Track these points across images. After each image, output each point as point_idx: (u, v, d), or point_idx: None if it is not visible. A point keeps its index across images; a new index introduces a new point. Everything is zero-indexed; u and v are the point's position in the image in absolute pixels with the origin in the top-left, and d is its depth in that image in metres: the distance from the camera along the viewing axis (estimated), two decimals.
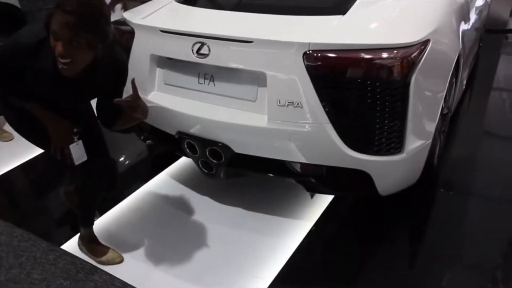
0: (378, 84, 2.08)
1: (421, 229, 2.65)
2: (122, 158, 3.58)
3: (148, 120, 2.75)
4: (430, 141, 2.43)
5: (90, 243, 2.52)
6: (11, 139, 3.69)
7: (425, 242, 2.57)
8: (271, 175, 2.50)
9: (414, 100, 2.15)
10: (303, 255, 2.42)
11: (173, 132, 2.59)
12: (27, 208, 2.99)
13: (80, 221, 2.51)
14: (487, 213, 2.74)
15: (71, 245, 2.54)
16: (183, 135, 2.53)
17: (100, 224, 2.71)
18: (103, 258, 2.47)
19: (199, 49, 2.33)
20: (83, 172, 2.31)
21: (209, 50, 2.31)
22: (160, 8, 2.77)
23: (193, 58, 2.36)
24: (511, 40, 6.07)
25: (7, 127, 3.79)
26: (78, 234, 2.56)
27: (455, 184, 3.00)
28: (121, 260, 2.46)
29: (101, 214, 2.78)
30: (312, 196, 2.65)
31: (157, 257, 2.44)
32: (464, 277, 2.30)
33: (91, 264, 2.34)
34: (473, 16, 3.47)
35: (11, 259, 2.39)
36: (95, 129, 2.43)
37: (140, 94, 2.65)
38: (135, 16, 2.71)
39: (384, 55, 2.07)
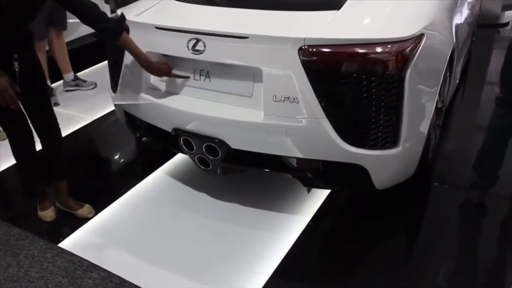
0: (373, 78, 2.09)
1: (416, 223, 2.66)
2: (118, 156, 3.58)
3: (144, 117, 2.76)
4: (425, 135, 2.45)
5: (68, 199, 2.78)
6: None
7: (421, 236, 2.58)
8: (268, 170, 2.50)
9: (409, 94, 2.17)
10: (300, 250, 2.43)
11: (169, 129, 2.59)
12: (23, 207, 2.98)
13: (54, 175, 2.78)
14: (481, 206, 2.76)
15: (69, 243, 2.53)
16: (179, 132, 2.53)
17: (98, 221, 2.72)
18: (80, 211, 2.75)
19: (195, 45, 2.33)
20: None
21: (205, 46, 2.31)
22: (154, 4, 2.76)
23: (189, 54, 2.36)
24: (502, 35, 6.10)
25: None
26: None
27: (449, 178, 3.02)
28: (93, 215, 2.75)
29: (97, 212, 2.77)
30: (308, 191, 2.65)
31: (154, 254, 2.44)
32: (460, 270, 2.32)
33: (89, 262, 2.35)
34: (465, 11, 3.49)
35: (9, 258, 2.40)
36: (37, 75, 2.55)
37: (135, 91, 2.68)
38: (129, 13, 2.70)
39: (379, 49, 2.08)
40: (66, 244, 2.53)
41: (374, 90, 2.11)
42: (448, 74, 2.86)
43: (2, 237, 2.55)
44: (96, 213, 2.77)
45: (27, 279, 2.27)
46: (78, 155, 3.65)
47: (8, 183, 3.29)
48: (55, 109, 4.22)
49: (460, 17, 3.21)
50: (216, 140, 2.41)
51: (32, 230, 2.61)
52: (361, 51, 2.08)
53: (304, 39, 2.11)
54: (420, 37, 2.20)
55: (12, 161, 3.31)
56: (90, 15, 2.35)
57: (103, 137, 3.93)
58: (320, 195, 2.79)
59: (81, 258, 2.38)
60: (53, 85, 4.42)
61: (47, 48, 4.32)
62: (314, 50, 2.11)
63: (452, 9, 2.89)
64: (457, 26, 3.00)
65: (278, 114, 2.23)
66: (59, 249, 2.47)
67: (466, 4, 3.50)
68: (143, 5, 2.79)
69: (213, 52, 2.31)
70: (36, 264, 2.36)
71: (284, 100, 2.19)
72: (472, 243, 2.48)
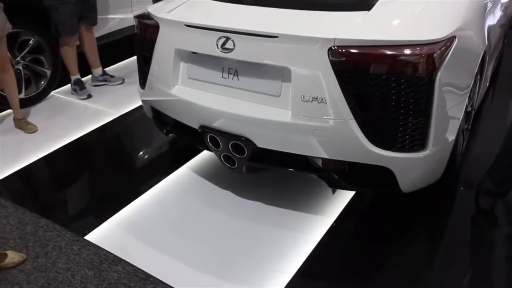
0: (403, 80, 2.07)
1: (441, 227, 2.63)
2: (143, 151, 3.62)
3: (171, 114, 2.78)
4: (453, 138, 2.42)
5: None
6: (35, 131, 3.75)
7: (445, 241, 2.55)
8: (293, 170, 2.50)
9: (438, 97, 2.14)
10: (324, 251, 2.43)
11: (196, 126, 2.60)
12: (50, 199, 3.04)
13: None
14: (507, 212, 2.71)
15: (94, 236, 2.57)
16: (206, 129, 2.54)
17: (122, 215, 2.75)
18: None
19: (224, 43, 2.34)
20: None
21: (234, 45, 2.32)
22: (184, 2, 2.78)
23: (218, 52, 2.37)
24: None
25: (32, 119, 3.87)
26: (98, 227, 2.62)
27: (476, 183, 2.97)
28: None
29: (122, 206, 2.80)
30: (333, 192, 2.65)
31: (177, 249, 2.47)
32: (483, 278, 2.28)
33: (115, 255, 2.38)
34: (498, 13, 3.42)
35: (37, 248, 2.45)
36: None
37: (164, 88, 2.70)
38: (159, 11, 2.73)
39: (410, 51, 2.06)
40: (92, 237, 2.57)
41: (403, 93, 2.09)
42: (478, 77, 2.81)
43: (31, 228, 2.60)
44: (121, 208, 2.80)
45: (55, 270, 2.32)
46: (104, 149, 3.70)
47: (36, 175, 3.36)
48: (84, 102, 4.34)
49: (493, 19, 3.15)
50: (243, 139, 2.42)
51: (60, 222, 2.66)
52: (391, 52, 2.07)
53: (334, 39, 2.10)
54: (451, 39, 2.18)
55: (40, 154, 3.41)
56: None
57: (130, 132, 3.98)
58: (344, 196, 2.78)
59: (107, 252, 2.41)
60: (83, 79, 4.49)
61: (77, 43, 4.39)
62: (344, 50, 2.10)
63: (485, 10, 2.83)
64: (490, 28, 2.94)
65: (305, 114, 2.22)
66: (86, 241, 2.51)
67: (499, 6, 3.44)
68: (173, 2, 2.81)
69: (242, 50, 2.32)
70: (63, 255, 2.41)
71: (312, 100, 2.18)
72: (497, 250, 2.44)
